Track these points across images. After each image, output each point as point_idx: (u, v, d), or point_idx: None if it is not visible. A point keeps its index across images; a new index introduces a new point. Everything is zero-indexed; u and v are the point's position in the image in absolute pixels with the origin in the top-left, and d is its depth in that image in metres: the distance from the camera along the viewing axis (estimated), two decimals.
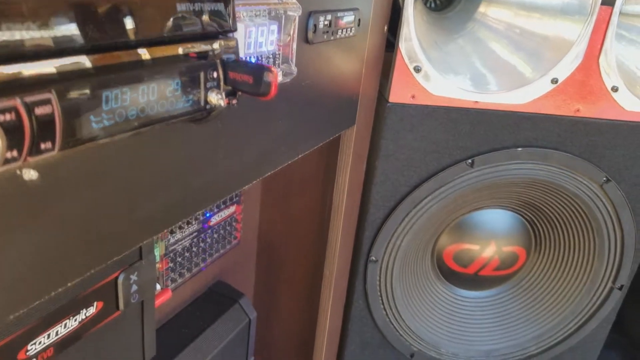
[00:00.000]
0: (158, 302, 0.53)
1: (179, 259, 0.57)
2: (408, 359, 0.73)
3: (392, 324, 0.70)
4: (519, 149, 0.62)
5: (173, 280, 0.57)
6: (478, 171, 0.62)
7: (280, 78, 0.37)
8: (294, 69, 0.38)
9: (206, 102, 0.28)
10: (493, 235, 0.71)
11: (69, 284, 0.28)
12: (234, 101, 0.29)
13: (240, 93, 0.30)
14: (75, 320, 0.39)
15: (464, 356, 0.74)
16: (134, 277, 0.43)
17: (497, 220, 0.71)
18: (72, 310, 0.38)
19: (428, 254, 0.72)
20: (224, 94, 0.27)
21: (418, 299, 0.72)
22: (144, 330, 0.48)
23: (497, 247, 0.72)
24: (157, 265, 0.54)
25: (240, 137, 0.37)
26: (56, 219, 0.25)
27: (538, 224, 0.73)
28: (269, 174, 0.44)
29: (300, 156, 0.48)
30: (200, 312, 0.61)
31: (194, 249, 0.59)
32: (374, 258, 0.66)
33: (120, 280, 0.42)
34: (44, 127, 0.20)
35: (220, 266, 0.66)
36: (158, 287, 0.54)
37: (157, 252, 0.53)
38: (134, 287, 0.44)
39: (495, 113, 0.60)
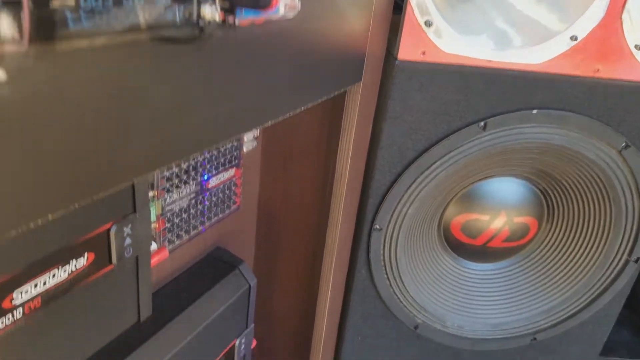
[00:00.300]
0: (154, 260, 0.51)
1: (177, 220, 0.55)
2: (412, 331, 0.71)
3: (396, 295, 0.68)
4: (534, 111, 0.59)
5: (170, 242, 0.55)
6: (490, 135, 0.59)
7: (282, 11, 0.34)
8: (298, 2, 0.35)
9: (199, 16, 0.25)
10: (503, 205, 0.69)
11: (49, 217, 0.26)
12: (231, 18, 0.26)
13: (238, 16, 0.27)
14: (65, 271, 0.37)
15: (470, 329, 0.72)
16: (127, 230, 0.41)
17: (508, 189, 0.69)
18: (61, 259, 0.36)
19: (435, 223, 0.69)
20: (219, 7, 0.25)
21: (423, 269, 0.70)
22: (139, 288, 0.46)
23: (508, 218, 0.69)
24: (154, 225, 0.52)
25: (238, 72, 0.34)
26: (29, 136, 0.23)
27: (551, 193, 0.70)
28: (270, 123, 0.41)
29: (303, 108, 0.45)
30: (199, 276, 0.59)
31: (192, 211, 0.57)
32: (378, 226, 0.63)
33: (112, 232, 0.40)
34: (10, 10, 0.18)
35: (219, 232, 0.64)
36: (155, 245, 0.52)
37: (154, 211, 0.51)
38: (128, 241, 0.42)
39: (510, 73, 0.57)
